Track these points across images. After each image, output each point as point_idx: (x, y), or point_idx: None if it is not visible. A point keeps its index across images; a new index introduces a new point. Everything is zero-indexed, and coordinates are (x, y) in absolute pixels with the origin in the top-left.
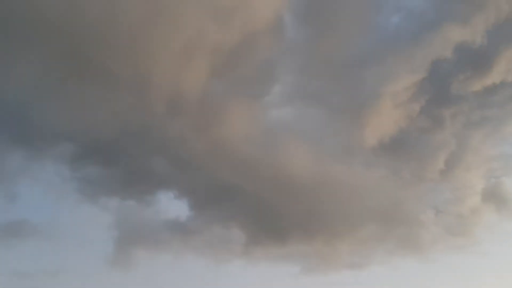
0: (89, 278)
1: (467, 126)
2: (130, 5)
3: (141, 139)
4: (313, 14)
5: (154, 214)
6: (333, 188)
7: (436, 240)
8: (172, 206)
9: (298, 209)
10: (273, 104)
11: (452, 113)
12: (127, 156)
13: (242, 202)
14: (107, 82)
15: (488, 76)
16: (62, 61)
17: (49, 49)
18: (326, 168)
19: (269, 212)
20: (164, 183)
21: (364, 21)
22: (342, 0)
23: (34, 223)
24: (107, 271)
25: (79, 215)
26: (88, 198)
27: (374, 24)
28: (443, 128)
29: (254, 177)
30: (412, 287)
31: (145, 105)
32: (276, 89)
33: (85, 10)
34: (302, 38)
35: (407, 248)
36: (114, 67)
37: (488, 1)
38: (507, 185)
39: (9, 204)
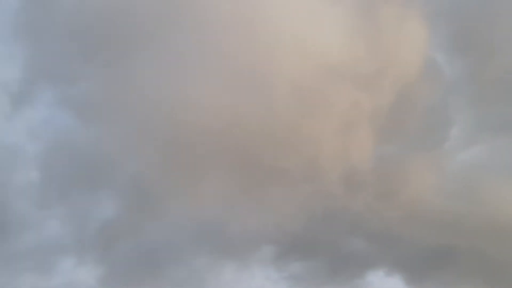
0: None
1: None
2: (282, 102)
3: (331, 224)
4: (464, 42)
5: None
6: None
7: None
8: (385, 284)
9: None
10: (456, 148)
11: None
12: (324, 244)
13: (462, 262)
14: (282, 178)
15: None
16: (240, 173)
17: (226, 166)
18: None
19: (499, 266)
20: (369, 262)
21: None
22: (489, 16)
23: None
24: None
25: None
26: None
27: None
28: None
29: (463, 232)
30: None
31: (323, 188)
32: (453, 131)
33: (245, 125)
34: (461, 71)
35: None
36: (284, 163)
37: None
38: None
39: None
